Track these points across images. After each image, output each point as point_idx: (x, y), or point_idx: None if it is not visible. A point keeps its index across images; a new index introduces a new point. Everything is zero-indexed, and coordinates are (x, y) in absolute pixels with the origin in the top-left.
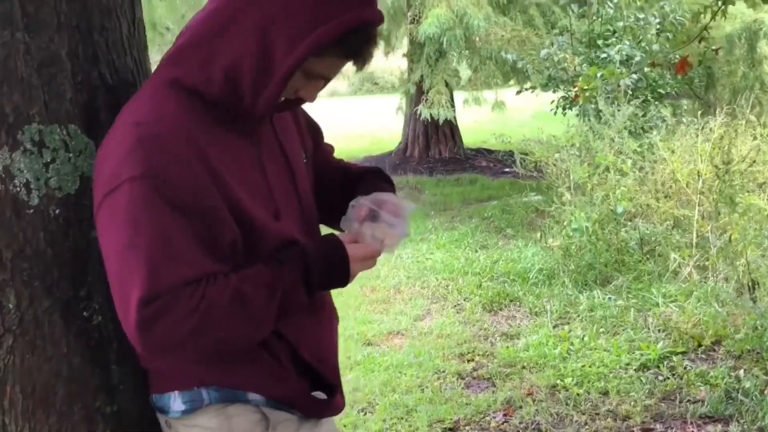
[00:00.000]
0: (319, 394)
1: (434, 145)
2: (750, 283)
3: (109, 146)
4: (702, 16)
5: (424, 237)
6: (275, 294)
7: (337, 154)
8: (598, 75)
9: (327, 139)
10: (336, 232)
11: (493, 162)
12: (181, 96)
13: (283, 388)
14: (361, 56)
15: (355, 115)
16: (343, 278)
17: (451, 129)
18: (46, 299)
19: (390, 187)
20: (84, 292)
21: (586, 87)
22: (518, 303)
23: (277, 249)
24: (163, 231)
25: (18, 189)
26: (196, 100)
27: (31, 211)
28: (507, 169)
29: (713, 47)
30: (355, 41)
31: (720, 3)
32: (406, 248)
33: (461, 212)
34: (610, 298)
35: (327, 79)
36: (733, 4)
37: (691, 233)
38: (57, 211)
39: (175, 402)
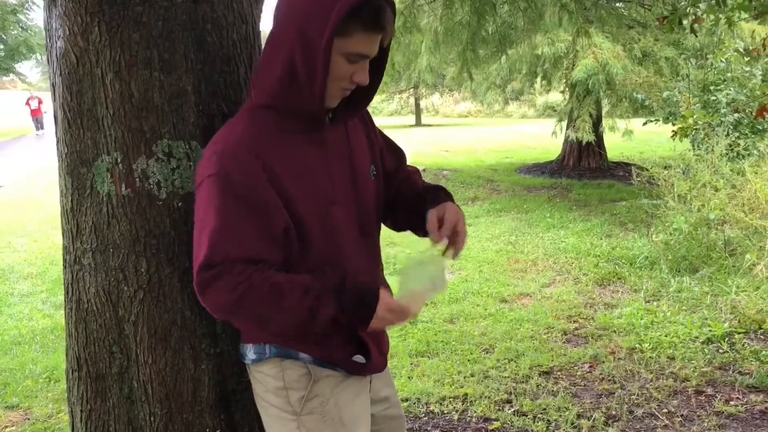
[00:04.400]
0: (359, 358)
1: (584, 157)
2: None
3: (203, 155)
4: None
5: (564, 225)
6: (307, 297)
7: (515, 161)
8: (692, 118)
9: (513, 148)
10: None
11: (629, 172)
12: (256, 115)
13: (326, 353)
14: (378, 25)
15: (535, 131)
16: (365, 322)
17: (597, 146)
18: (168, 267)
19: (449, 197)
20: None
21: (681, 126)
22: (623, 281)
23: (325, 248)
24: (226, 216)
25: (151, 186)
26: (270, 116)
27: (160, 203)
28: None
29: None
30: (368, 12)
31: None
32: (548, 232)
33: (596, 209)
34: (694, 284)
35: (367, 57)
36: None
37: (765, 239)
38: (179, 204)
39: (250, 352)
